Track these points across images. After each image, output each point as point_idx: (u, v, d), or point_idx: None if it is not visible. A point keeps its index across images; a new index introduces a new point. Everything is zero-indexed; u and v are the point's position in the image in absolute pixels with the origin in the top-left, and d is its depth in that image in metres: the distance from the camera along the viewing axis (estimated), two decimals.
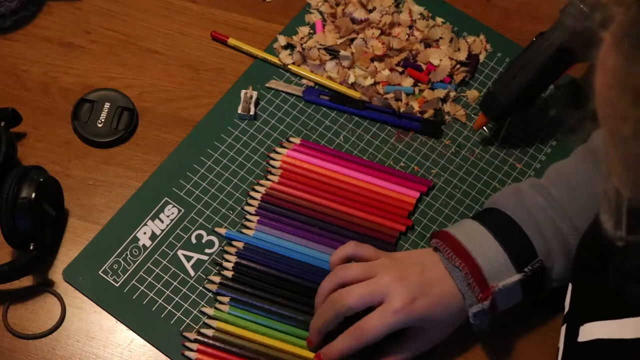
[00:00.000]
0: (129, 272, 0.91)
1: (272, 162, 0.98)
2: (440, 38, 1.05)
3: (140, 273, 0.91)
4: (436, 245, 0.86)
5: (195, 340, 0.87)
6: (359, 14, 1.05)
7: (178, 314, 0.89)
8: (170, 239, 0.93)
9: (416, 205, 0.97)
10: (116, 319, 0.89)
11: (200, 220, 0.94)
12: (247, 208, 0.95)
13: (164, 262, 0.92)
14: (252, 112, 1.00)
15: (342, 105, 1.02)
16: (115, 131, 0.98)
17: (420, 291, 0.82)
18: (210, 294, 0.90)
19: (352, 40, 1.05)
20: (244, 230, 0.94)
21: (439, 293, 0.83)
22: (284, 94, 1.03)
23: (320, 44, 1.05)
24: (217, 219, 0.95)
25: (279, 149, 0.99)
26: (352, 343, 0.82)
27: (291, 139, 1.00)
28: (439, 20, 1.08)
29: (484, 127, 1.01)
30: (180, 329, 0.88)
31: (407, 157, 1.00)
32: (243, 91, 1.01)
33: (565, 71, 0.94)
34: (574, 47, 0.89)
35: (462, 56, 1.05)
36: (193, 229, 0.94)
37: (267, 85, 1.03)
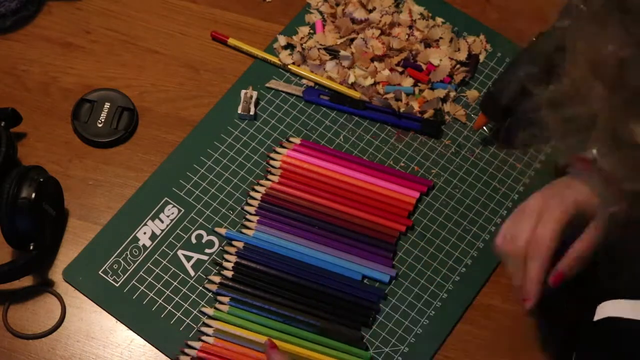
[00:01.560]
0: (129, 272, 0.91)
1: (272, 162, 0.98)
2: (440, 38, 1.05)
3: (140, 273, 0.91)
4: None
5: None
6: (359, 14, 1.05)
7: (178, 314, 0.89)
8: (170, 239, 0.93)
9: (416, 205, 0.97)
10: (116, 319, 0.89)
11: (200, 220, 0.94)
12: (247, 208, 0.95)
13: (164, 262, 0.92)
14: (252, 112, 1.00)
15: (342, 105, 1.02)
16: (115, 131, 0.98)
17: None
18: (210, 294, 0.90)
19: (352, 40, 1.05)
20: (244, 230, 0.94)
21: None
22: (284, 94, 1.03)
23: (320, 44, 1.05)
24: (217, 219, 0.95)
25: (279, 149, 0.99)
26: (539, 261, 0.79)
27: (291, 139, 1.00)
28: (439, 20, 1.08)
29: (484, 127, 1.01)
30: (180, 329, 0.88)
31: (407, 157, 1.00)
32: (243, 91, 1.01)
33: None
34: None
35: (462, 56, 1.05)
36: (193, 229, 0.94)
37: (267, 85, 1.03)
